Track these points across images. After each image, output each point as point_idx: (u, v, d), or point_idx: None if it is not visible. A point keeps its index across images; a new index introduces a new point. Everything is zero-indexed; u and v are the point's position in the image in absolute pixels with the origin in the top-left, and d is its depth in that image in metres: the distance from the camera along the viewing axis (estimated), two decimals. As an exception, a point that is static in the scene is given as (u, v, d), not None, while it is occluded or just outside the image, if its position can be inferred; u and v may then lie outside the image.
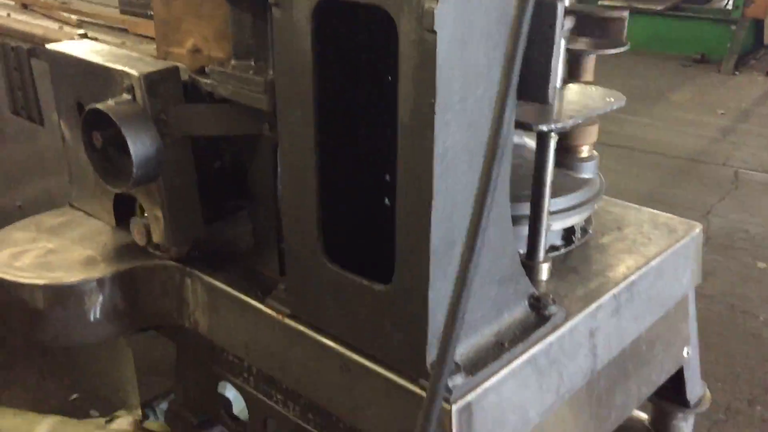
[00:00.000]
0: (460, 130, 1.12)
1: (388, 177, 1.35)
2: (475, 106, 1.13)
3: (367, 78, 1.31)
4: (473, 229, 0.85)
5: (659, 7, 8.86)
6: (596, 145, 1.69)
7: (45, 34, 1.89)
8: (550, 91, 1.19)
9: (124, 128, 1.40)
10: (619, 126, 6.16)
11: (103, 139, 1.47)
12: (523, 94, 1.21)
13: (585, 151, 1.61)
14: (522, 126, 1.28)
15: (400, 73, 1.10)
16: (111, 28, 2.03)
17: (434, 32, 1.03)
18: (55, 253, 1.71)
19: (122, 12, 2.18)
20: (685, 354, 1.79)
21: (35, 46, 1.91)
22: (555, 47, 1.16)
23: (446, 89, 1.08)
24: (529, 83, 1.19)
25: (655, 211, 1.83)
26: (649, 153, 5.98)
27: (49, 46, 1.67)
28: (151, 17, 2.05)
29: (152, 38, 1.87)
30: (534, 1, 0.93)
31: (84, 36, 1.79)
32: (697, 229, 1.75)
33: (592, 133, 1.60)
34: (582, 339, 1.45)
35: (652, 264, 1.62)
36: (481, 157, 0.90)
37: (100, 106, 1.43)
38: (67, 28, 2.00)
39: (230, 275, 1.58)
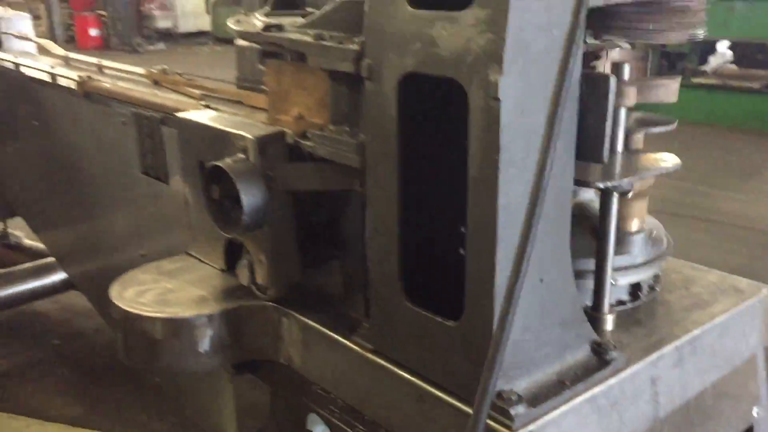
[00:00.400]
0: (522, 184, 1.29)
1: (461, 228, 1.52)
2: (535, 162, 1.30)
3: (444, 138, 1.51)
4: (515, 269, 1.01)
5: (756, 86, 8.75)
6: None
7: (174, 105, 2.21)
8: (605, 152, 1.34)
9: (238, 182, 1.65)
10: (712, 201, 6.09)
11: (220, 191, 1.72)
12: (582, 155, 1.37)
13: (635, 225, 1.72)
14: (582, 183, 1.43)
15: (469, 134, 1.29)
16: (228, 101, 2.34)
17: (498, 100, 1.22)
18: (172, 292, 1.96)
19: (238, 87, 2.50)
20: (755, 414, 1.82)
21: (165, 115, 2.23)
22: (608, 115, 1.32)
23: (509, 149, 1.25)
24: (586, 145, 1.36)
25: (724, 273, 1.90)
26: (740, 228, 5.86)
27: (179, 114, 1.97)
28: (262, 91, 2.36)
29: (263, 109, 2.16)
30: (578, 75, 1.10)
31: (207, 107, 2.09)
32: (765, 290, 1.81)
33: (639, 208, 1.70)
34: (643, 385, 1.54)
35: (717, 321, 1.70)
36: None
37: (219, 163, 1.69)
38: (192, 101, 2.32)
39: (321, 316, 1.78)
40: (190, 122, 1.91)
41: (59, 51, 3.39)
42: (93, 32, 16.62)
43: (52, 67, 2.91)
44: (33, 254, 4.19)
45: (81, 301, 4.03)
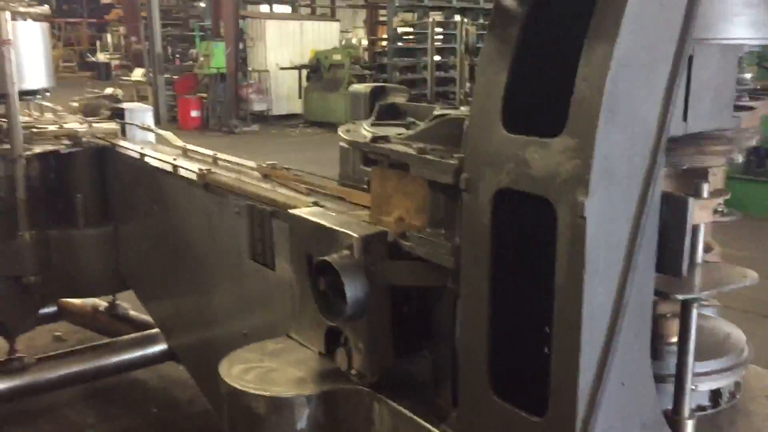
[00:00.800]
0: (606, 294, 1.42)
1: (546, 329, 1.65)
2: (618, 274, 1.43)
3: (533, 246, 1.66)
4: (598, 373, 1.14)
5: None
6: None
7: (284, 200, 2.46)
8: (684, 267, 1.46)
9: (343, 277, 1.84)
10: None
11: (326, 283, 1.92)
12: (662, 268, 1.49)
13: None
14: (661, 294, 1.54)
15: (557, 246, 1.44)
16: (332, 196, 2.57)
17: (584, 218, 1.37)
18: (275, 371, 2.14)
19: (341, 184, 2.74)
20: None
21: (276, 209, 2.48)
22: (687, 233, 1.45)
23: (594, 262, 1.39)
24: (666, 259, 1.48)
25: (807, 384, 1.93)
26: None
27: (292, 211, 2.20)
28: (363, 189, 2.58)
29: (364, 206, 2.37)
30: (658, 196, 1.25)
31: (315, 204, 2.32)
32: None
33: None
34: (723, 491, 1.59)
35: (799, 433, 1.73)
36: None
37: (327, 258, 1.89)
38: (300, 196, 2.57)
39: (411, 403, 1.91)
40: (302, 219, 2.13)
41: (178, 142, 3.76)
42: (194, 113, 17.76)
43: (174, 159, 3.25)
44: (137, 325, 4.50)
45: (177, 371, 4.29)
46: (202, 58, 17.88)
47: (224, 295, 2.94)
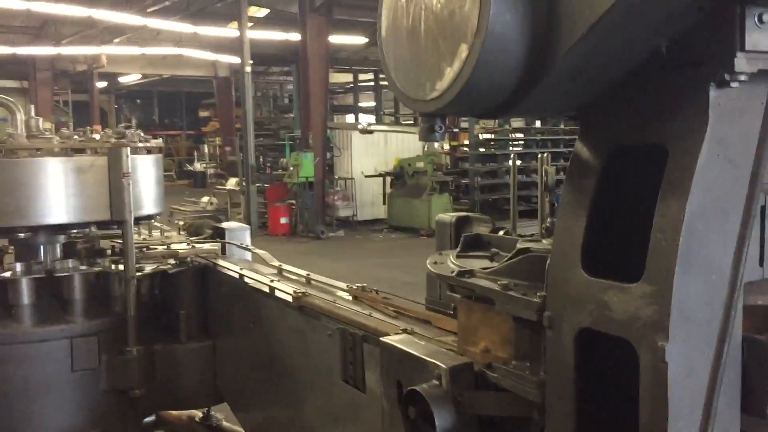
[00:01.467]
0: (690, 435, 1.46)
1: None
2: (701, 416, 1.48)
3: (615, 381, 1.72)
4: None
5: None
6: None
7: (375, 325, 2.60)
8: (768, 410, 1.49)
9: (433, 406, 1.93)
10: None
11: (415, 411, 2.02)
12: (746, 409, 1.53)
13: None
14: (748, 436, 1.56)
15: (640, 386, 1.50)
16: (419, 320, 2.70)
17: (665, 363, 1.44)
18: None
19: (427, 308, 2.87)
20: None
21: (366, 333, 2.62)
22: (769, 376, 1.49)
23: (676, 403, 1.45)
24: (750, 400, 1.52)
25: None
26: None
27: (383, 339, 2.34)
28: (448, 315, 2.69)
29: (449, 330, 2.48)
30: (739, 339, 1.31)
31: (404, 331, 2.45)
32: None
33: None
34: None
35: None
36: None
37: (417, 388, 1.99)
38: (389, 320, 2.70)
39: None
40: (392, 347, 2.26)
41: (274, 262, 4.01)
42: (283, 220, 18.49)
43: (272, 280, 3.47)
44: (229, 436, 4.65)
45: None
46: (291, 168, 18.75)
47: (315, 413, 3.06)
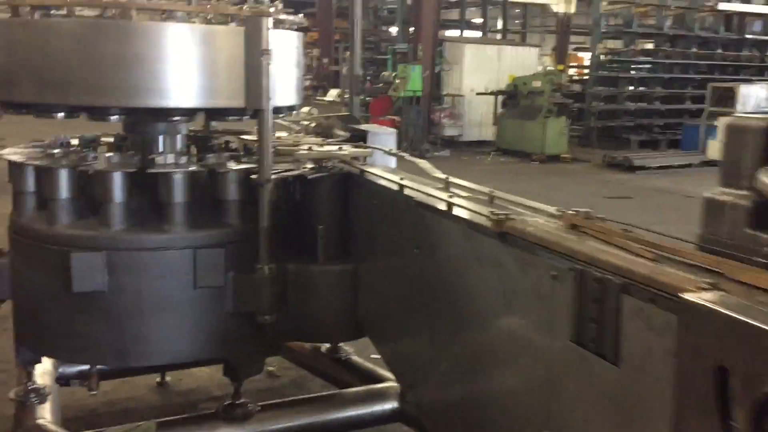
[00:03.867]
0: None
1: None
2: None
3: None
4: None
5: None
6: None
7: (648, 273, 1.76)
8: None
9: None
10: None
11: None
12: None
13: None
14: None
15: None
16: (699, 268, 1.84)
17: None
18: None
19: (702, 248, 2.01)
20: None
21: (630, 281, 1.79)
22: None
23: None
24: None
25: None
26: None
27: (686, 296, 1.50)
28: (745, 261, 1.82)
29: (761, 288, 1.63)
30: None
31: (712, 286, 1.59)
32: None
33: None
34: None
35: None
36: None
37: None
38: (652, 264, 1.86)
39: None
40: (711, 312, 1.43)
41: (438, 173, 3.21)
42: (386, 136, 17.70)
43: (450, 197, 2.68)
44: (359, 374, 4.00)
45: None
46: (398, 81, 17.78)
47: (518, 379, 2.29)
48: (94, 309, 3.07)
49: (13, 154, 3.31)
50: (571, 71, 24.17)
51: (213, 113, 3.32)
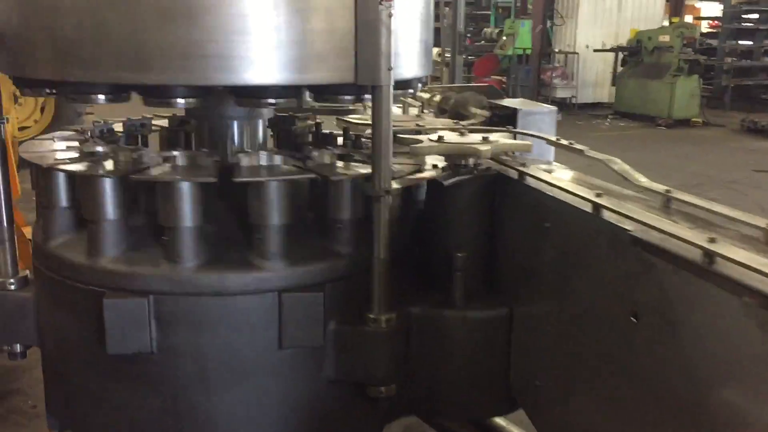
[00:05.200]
0: None
1: None
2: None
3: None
4: None
5: None
6: None
7: None
8: None
9: None
10: None
11: None
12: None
13: None
14: None
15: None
16: None
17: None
18: None
19: None
20: None
21: None
22: None
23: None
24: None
25: None
26: None
27: None
28: None
29: None
30: None
31: None
32: None
33: None
34: None
35: None
36: None
37: None
38: None
39: None
40: None
41: (644, 180, 2.08)
42: (491, 98, 16.36)
43: (710, 240, 1.55)
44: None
45: None
46: (504, 38, 16.35)
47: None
48: (138, 376, 2.15)
49: (38, 150, 2.41)
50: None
51: (301, 91, 2.28)
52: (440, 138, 2.46)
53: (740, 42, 17.66)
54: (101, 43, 1.97)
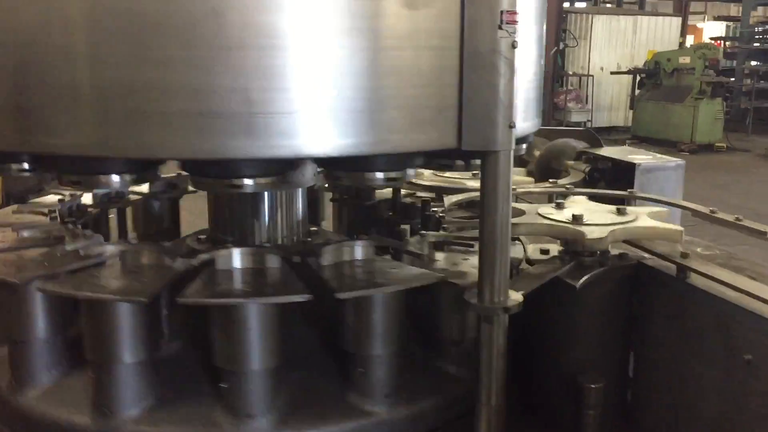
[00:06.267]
0: None
1: None
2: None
3: None
4: None
5: None
6: None
7: None
8: None
9: None
10: None
11: None
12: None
13: None
14: None
15: None
16: None
17: None
18: None
19: None
20: None
21: None
22: None
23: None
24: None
25: None
26: None
27: None
28: None
29: None
30: None
31: None
32: None
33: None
34: None
35: None
36: None
37: None
38: None
39: None
40: None
41: None
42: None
43: None
44: None
45: None
46: (516, 60, 15.74)
47: None
48: None
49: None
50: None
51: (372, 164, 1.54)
52: (544, 214, 1.75)
53: (756, 63, 17.07)
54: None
